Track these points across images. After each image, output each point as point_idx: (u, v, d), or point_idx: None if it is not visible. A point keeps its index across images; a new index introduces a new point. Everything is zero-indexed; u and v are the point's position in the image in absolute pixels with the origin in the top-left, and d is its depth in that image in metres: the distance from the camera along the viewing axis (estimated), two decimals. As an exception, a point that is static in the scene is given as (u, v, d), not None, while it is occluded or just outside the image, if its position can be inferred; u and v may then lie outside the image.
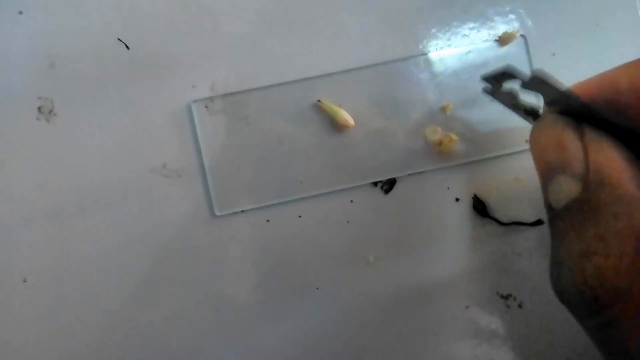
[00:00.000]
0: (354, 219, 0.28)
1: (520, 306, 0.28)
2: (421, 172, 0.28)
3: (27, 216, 0.27)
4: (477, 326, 0.28)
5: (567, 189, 0.17)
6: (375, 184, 0.28)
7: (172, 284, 0.27)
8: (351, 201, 0.28)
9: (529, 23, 0.29)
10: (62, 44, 0.27)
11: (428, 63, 0.28)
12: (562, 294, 0.17)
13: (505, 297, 0.28)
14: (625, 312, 0.15)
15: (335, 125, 0.27)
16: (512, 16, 0.29)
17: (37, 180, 0.27)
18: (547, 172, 0.18)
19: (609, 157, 0.16)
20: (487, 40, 0.28)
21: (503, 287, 0.28)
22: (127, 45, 0.27)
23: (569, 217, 0.17)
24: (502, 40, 0.28)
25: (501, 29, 0.28)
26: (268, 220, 0.27)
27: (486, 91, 0.22)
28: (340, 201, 0.28)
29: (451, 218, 0.28)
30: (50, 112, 0.27)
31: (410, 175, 0.28)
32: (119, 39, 0.27)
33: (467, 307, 0.28)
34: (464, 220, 0.28)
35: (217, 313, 0.27)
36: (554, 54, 0.28)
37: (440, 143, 0.27)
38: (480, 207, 0.28)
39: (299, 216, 0.28)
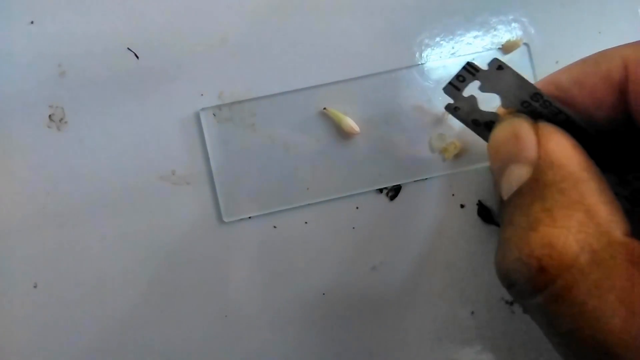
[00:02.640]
0: (360, 225, 0.28)
1: (525, 312, 0.28)
2: (426, 179, 0.28)
3: (38, 222, 0.27)
4: (482, 332, 0.28)
5: (518, 174, 0.17)
6: (381, 190, 0.28)
7: (180, 289, 0.27)
8: (357, 207, 0.28)
9: (532, 31, 0.29)
10: (73, 53, 0.28)
11: (432, 71, 0.28)
12: (507, 273, 0.17)
13: (511, 303, 0.28)
14: (572, 283, 0.15)
15: (341, 133, 0.28)
16: (515, 25, 0.29)
17: (48, 187, 0.27)
18: (502, 165, 0.18)
19: (559, 143, 0.17)
20: (490, 48, 0.29)
21: (508, 293, 0.28)
22: (137, 54, 0.28)
23: (518, 199, 0.17)
24: (506, 49, 0.29)
25: (504, 37, 0.29)
26: (275, 227, 0.28)
27: (448, 109, 0.23)
28: (346, 207, 0.28)
29: (456, 224, 0.28)
30: (61, 120, 0.27)
31: (415, 181, 0.28)
32: (128, 49, 0.28)
33: (472, 312, 0.28)
34: (469, 226, 0.28)
35: (225, 318, 0.27)
36: (557, 62, 0.29)
37: (444, 150, 0.28)
38: (485, 213, 0.28)
39: (305, 222, 0.28)
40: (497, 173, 0.19)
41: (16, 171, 0.27)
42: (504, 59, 0.29)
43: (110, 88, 0.28)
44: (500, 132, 0.19)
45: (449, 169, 0.28)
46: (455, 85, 0.23)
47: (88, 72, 0.28)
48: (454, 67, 0.28)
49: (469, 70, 0.22)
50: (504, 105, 0.21)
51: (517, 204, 0.17)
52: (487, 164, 0.28)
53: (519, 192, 0.17)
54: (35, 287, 0.27)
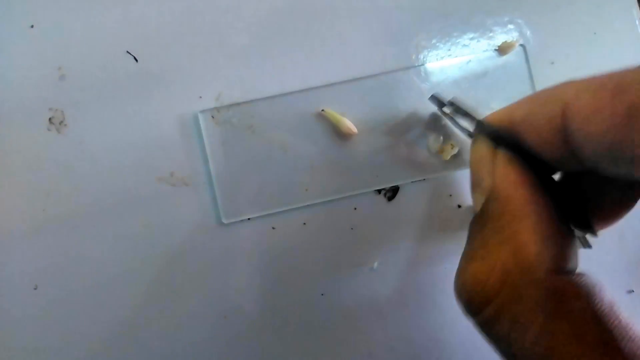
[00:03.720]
0: (358, 226, 0.28)
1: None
2: (423, 180, 0.28)
3: (38, 224, 0.27)
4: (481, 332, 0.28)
5: (477, 201, 0.18)
6: (379, 191, 0.28)
7: (180, 290, 0.27)
8: (355, 208, 0.28)
9: (528, 33, 0.29)
10: (73, 56, 0.28)
11: (429, 73, 0.28)
12: (455, 295, 0.18)
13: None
14: (495, 315, 0.16)
15: (339, 134, 0.28)
16: (511, 26, 0.29)
17: (48, 189, 0.27)
18: (471, 186, 0.19)
19: (507, 176, 0.17)
20: (486, 50, 0.29)
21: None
22: (136, 57, 0.28)
23: (472, 226, 0.18)
24: (502, 50, 0.29)
25: (500, 38, 0.29)
26: (273, 228, 0.28)
27: (437, 112, 0.25)
28: (344, 208, 0.28)
29: (453, 224, 0.28)
30: (60, 122, 0.28)
31: (412, 182, 0.28)
32: (127, 52, 0.28)
33: (470, 312, 0.28)
34: (466, 226, 0.28)
35: (225, 319, 0.28)
36: (552, 63, 0.29)
37: (442, 151, 0.28)
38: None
39: (304, 223, 0.28)
40: (473, 180, 0.20)
41: (16, 173, 0.27)
42: (500, 60, 0.29)
43: (110, 91, 0.28)
44: (471, 154, 0.20)
45: (446, 169, 0.28)
46: (436, 100, 0.26)
47: (88, 75, 0.28)
48: (450, 68, 0.29)
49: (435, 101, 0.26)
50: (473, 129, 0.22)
51: (470, 231, 0.18)
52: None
53: (474, 219, 0.18)
54: (35, 289, 0.27)
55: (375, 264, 0.28)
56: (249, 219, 0.28)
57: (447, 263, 0.28)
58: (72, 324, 0.27)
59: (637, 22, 0.30)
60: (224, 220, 0.27)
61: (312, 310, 0.28)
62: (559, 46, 0.29)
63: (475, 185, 0.19)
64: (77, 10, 0.28)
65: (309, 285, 0.28)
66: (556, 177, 0.19)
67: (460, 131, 0.25)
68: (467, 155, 0.28)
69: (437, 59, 0.29)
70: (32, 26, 0.28)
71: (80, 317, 0.27)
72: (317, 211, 0.28)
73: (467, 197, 0.28)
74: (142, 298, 0.27)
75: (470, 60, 0.29)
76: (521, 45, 0.29)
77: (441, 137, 0.28)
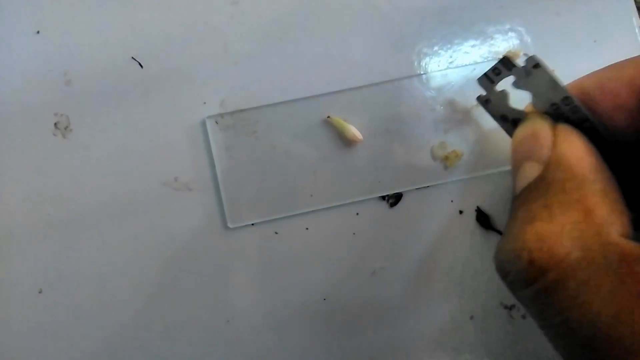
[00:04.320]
0: (360, 231, 0.28)
1: (523, 317, 0.29)
2: (426, 187, 0.29)
3: (43, 229, 0.27)
4: (481, 337, 0.28)
5: (530, 171, 0.18)
6: (382, 197, 0.28)
7: (183, 294, 0.28)
8: (357, 214, 0.28)
9: (529, 40, 0.30)
10: (78, 62, 0.28)
11: (432, 80, 0.29)
12: (501, 263, 0.18)
13: (509, 308, 0.29)
14: (562, 278, 0.15)
15: (344, 141, 0.28)
16: (512, 34, 0.30)
17: (53, 194, 0.28)
18: (519, 162, 0.19)
19: (572, 146, 0.17)
20: (487, 57, 0.29)
21: (507, 298, 0.29)
22: (141, 63, 0.28)
23: (525, 195, 0.18)
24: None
25: (502, 46, 0.29)
26: (276, 232, 0.28)
27: (480, 100, 0.24)
28: (346, 214, 0.28)
29: (455, 230, 0.29)
30: (66, 128, 0.28)
31: (416, 189, 0.29)
32: (132, 58, 0.28)
33: (471, 317, 0.29)
34: (467, 232, 0.29)
35: (227, 323, 0.28)
36: (552, 70, 0.29)
37: (446, 158, 0.28)
38: (483, 219, 0.28)
39: (307, 228, 0.28)
40: (514, 166, 0.20)
41: (22, 177, 0.28)
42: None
43: (115, 96, 0.28)
44: (521, 131, 0.20)
45: (449, 176, 0.29)
46: (489, 78, 0.23)
47: (93, 80, 0.28)
48: (454, 76, 0.29)
49: (506, 65, 0.22)
50: (534, 104, 0.22)
51: (523, 199, 0.18)
52: (486, 171, 0.29)
53: (527, 188, 0.18)
54: (40, 292, 0.27)
55: (377, 269, 0.28)
56: (252, 224, 0.28)
57: (448, 268, 0.28)
58: (76, 327, 0.27)
59: (636, 31, 0.30)
60: (230, 225, 0.28)
61: (314, 314, 0.28)
62: (559, 54, 0.30)
63: (526, 158, 0.19)
64: (82, 16, 0.28)
65: (311, 289, 0.28)
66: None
67: (502, 124, 0.24)
68: (470, 163, 0.28)
69: (439, 67, 0.29)
70: (38, 32, 0.28)
71: (84, 321, 0.27)
72: (320, 216, 0.28)
73: (468, 203, 0.29)
74: (146, 302, 0.28)
75: (474, 68, 0.29)
76: (525, 54, 0.29)
77: (446, 144, 0.28)
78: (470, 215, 0.29)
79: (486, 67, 0.29)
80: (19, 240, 0.27)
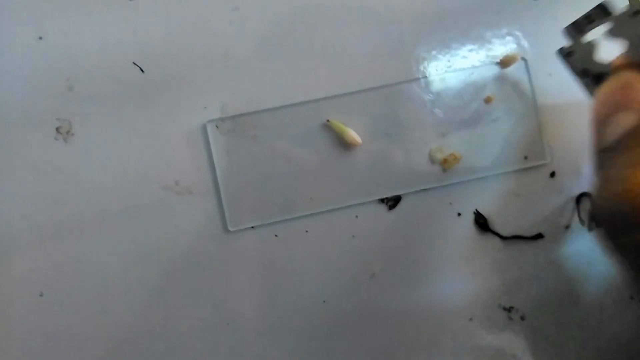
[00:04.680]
0: (360, 234, 0.29)
1: (522, 318, 0.29)
2: (425, 189, 0.29)
3: (44, 232, 0.28)
4: (481, 338, 0.29)
5: (625, 120, 0.18)
6: (381, 200, 0.29)
7: (184, 297, 0.28)
8: (356, 216, 0.29)
9: (526, 44, 0.30)
10: (80, 67, 0.28)
11: (431, 84, 0.29)
12: (608, 207, 0.17)
13: (508, 310, 0.29)
14: None
15: (343, 144, 0.28)
16: (509, 38, 0.30)
17: (55, 198, 0.28)
18: (608, 114, 0.19)
19: None
20: (485, 61, 0.29)
21: (505, 300, 0.29)
22: (142, 69, 0.28)
23: (622, 144, 0.18)
24: (503, 63, 0.29)
25: (499, 50, 0.30)
26: (276, 235, 0.28)
27: (562, 53, 0.22)
28: (345, 217, 0.29)
29: (453, 232, 0.29)
30: (68, 132, 0.28)
31: (414, 192, 0.29)
32: (134, 63, 0.28)
33: (470, 319, 0.29)
34: (465, 234, 0.29)
35: (227, 325, 0.28)
36: (550, 74, 0.30)
37: (444, 161, 0.28)
38: (481, 222, 0.29)
39: (306, 231, 0.28)
40: (600, 122, 0.19)
41: (24, 181, 0.28)
42: (501, 71, 0.29)
43: (116, 101, 0.28)
44: (611, 83, 0.20)
45: (447, 180, 0.29)
46: (579, 27, 0.22)
47: (95, 86, 0.28)
48: (452, 80, 0.29)
49: (602, 11, 0.21)
50: (628, 54, 0.20)
51: (621, 148, 0.18)
52: (484, 174, 0.29)
53: (626, 136, 0.18)
54: (41, 295, 0.28)
55: (377, 271, 0.29)
56: (252, 227, 0.28)
57: (447, 270, 0.29)
58: (77, 330, 0.27)
59: (632, 35, 0.30)
60: (230, 228, 0.28)
61: (314, 316, 0.28)
62: (556, 58, 0.30)
63: (617, 108, 0.18)
64: (84, 22, 0.29)
65: (310, 292, 0.28)
66: None
67: (581, 82, 0.23)
68: (468, 166, 0.29)
69: (437, 71, 0.29)
70: (40, 38, 0.29)
71: (85, 324, 0.27)
72: (320, 219, 0.28)
73: (466, 206, 0.29)
74: (147, 304, 0.28)
75: (472, 73, 0.29)
76: (523, 58, 0.29)
77: (444, 148, 0.28)
78: (468, 218, 0.29)
79: (484, 70, 0.29)
80: (20, 243, 0.28)
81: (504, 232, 0.29)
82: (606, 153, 0.19)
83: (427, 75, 0.29)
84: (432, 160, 0.29)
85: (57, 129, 0.28)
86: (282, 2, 0.29)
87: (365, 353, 0.28)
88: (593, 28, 0.21)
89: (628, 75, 0.19)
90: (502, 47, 0.30)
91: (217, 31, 0.29)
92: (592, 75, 0.22)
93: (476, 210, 0.29)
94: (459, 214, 0.29)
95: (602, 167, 0.19)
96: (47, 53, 0.28)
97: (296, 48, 0.29)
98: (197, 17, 0.29)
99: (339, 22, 0.29)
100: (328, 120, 0.28)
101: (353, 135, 0.28)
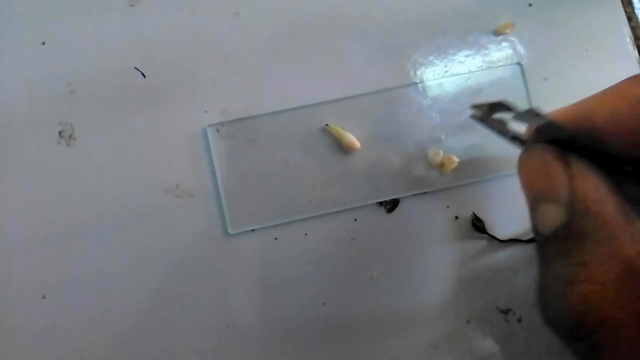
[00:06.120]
0: (358, 237, 0.29)
1: (519, 320, 0.29)
2: (423, 193, 0.29)
3: (47, 235, 0.28)
4: (478, 340, 0.29)
5: (552, 216, 0.17)
6: (380, 203, 0.29)
7: (184, 300, 0.28)
8: (355, 220, 0.29)
9: (521, 50, 0.30)
10: (82, 72, 0.29)
11: (428, 89, 0.29)
12: (549, 320, 0.17)
13: (505, 312, 0.29)
14: (612, 338, 0.15)
15: (342, 148, 0.29)
16: (505, 44, 0.30)
17: (57, 201, 0.28)
18: (534, 199, 0.18)
19: (592, 186, 0.16)
20: (481, 66, 0.30)
21: (502, 302, 0.29)
22: (143, 73, 0.29)
23: (555, 244, 0.17)
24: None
25: (495, 55, 0.30)
26: (276, 238, 0.29)
27: (475, 117, 0.23)
28: (344, 220, 0.29)
29: (451, 235, 0.29)
30: (70, 136, 0.29)
31: (412, 195, 0.29)
32: (135, 68, 0.29)
33: (468, 321, 0.29)
34: (463, 237, 0.29)
35: (228, 328, 0.28)
36: (545, 79, 0.30)
37: (441, 165, 0.29)
38: (478, 225, 0.29)
39: (306, 234, 0.29)
40: (530, 203, 0.19)
41: (26, 185, 0.28)
42: (497, 76, 0.30)
43: (118, 106, 0.29)
44: (530, 164, 0.19)
45: (446, 183, 0.29)
46: (483, 112, 0.22)
47: (97, 90, 0.29)
48: (448, 85, 0.30)
49: (500, 108, 0.21)
50: (536, 132, 0.20)
51: (555, 249, 0.17)
52: (481, 177, 0.29)
53: (556, 236, 0.17)
54: (43, 298, 0.28)
55: (375, 274, 0.29)
56: (252, 230, 0.28)
57: (445, 272, 0.29)
58: (79, 332, 0.28)
59: (627, 40, 0.31)
60: (230, 231, 0.28)
61: (314, 319, 0.28)
62: (551, 63, 0.30)
63: (542, 197, 0.18)
64: (86, 27, 0.29)
65: (310, 294, 0.29)
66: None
67: (508, 140, 0.23)
68: (465, 169, 0.29)
69: (434, 76, 0.30)
70: (43, 43, 0.29)
71: (87, 326, 0.28)
72: (319, 222, 0.29)
73: (464, 209, 0.29)
74: (149, 307, 0.28)
75: (469, 77, 0.30)
76: (518, 64, 0.30)
77: (441, 152, 0.29)
78: (466, 221, 0.29)
79: (480, 76, 0.30)
80: (22, 246, 0.28)
81: (501, 235, 0.29)
82: (540, 240, 0.18)
83: (424, 80, 0.30)
84: (430, 163, 0.29)
85: (60, 133, 0.28)
86: (283, 8, 0.30)
87: (364, 355, 0.29)
88: (497, 113, 0.21)
89: (545, 158, 0.18)
90: (498, 53, 0.30)
91: (217, 36, 0.29)
92: (510, 136, 0.22)
93: (473, 213, 0.29)
94: (457, 217, 0.29)
95: (541, 255, 0.18)
96: (49, 58, 0.29)
97: (296, 53, 0.29)
98: (198, 23, 0.29)
99: (337, 27, 0.30)
100: (327, 125, 0.29)
101: (351, 139, 0.28)
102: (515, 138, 0.22)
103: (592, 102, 0.17)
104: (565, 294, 0.16)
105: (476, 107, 0.22)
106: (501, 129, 0.22)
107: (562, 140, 0.18)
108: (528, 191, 0.19)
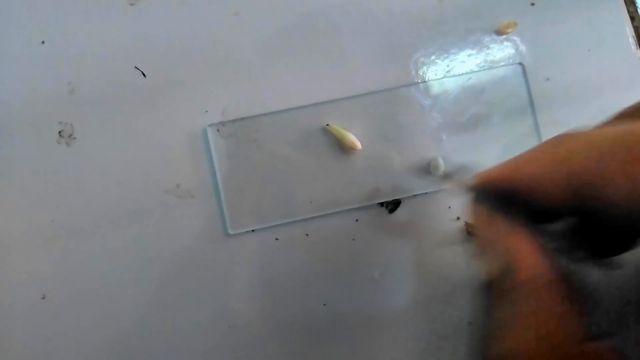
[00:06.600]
0: (360, 237, 0.29)
1: None
2: (424, 193, 0.29)
3: (47, 235, 0.28)
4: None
5: (491, 266, 0.18)
6: (381, 204, 0.29)
7: (185, 300, 0.28)
8: (356, 220, 0.29)
9: (524, 50, 0.30)
10: (82, 72, 0.29)
11: (430, 89, 0.29)
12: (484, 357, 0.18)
13: (507, 313, 0.29)
14: None
15: (343, 148, 0.29)
16: (507, 43, 0.30)
17: (57, 201, 0.28)
18: (482, 245, 0.19)
19: (516, 244, 0.17)
20: (483, 66, 0.30)
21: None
22: (144, 73, 0.29)
23: (486, 296, 0.18)
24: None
25: (497, 55, 0.30)
26: (277, 239, 0.29)
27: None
28: (345, 220, 0.29)
29: (452, 235, 0.29)
30: (70, 136, 0.28)
31: (413, 196, 0.29)
32: (136, 67, 0.29)
33: (469, 323, 0.29)
34: (464, 238, 0.29)
35: (229, 328, 0.28)
36: (548, 79, 0.30)
37: (442, 165, 0.28)
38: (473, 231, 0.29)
39: (307, 234, 0.29)
40: (478, 246, 0.20)
41: (26, 184, 0.28)
42: (499, 76, 0.30)
43: (118, 105, 0.29)
44: (471, 216, 0.20)
45: (446, 184, 0.29)
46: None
47: (97, 90, 0.29)
48: (450, 84, 0.29)
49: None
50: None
51: (490, 295, 0.18)
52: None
53: (492, 284, 0.18)
54: (43, 298, 0.28)
55: (376, 274, 0.29)
56: (253, 230, 0.28)
57: (446, 272, 0.29)
58: (79, 332, 0.28)
59: (630, 40, 0.31)
60: (230, 231, 0.28)
61: (314, 319, 0.28)
62: (554, 63, 0.30)
63: (483, 249, 0.19)
64: (86, 27, 0.29)
65: (311, 294, 0.28)
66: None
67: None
68: (466, 171, 0.29)
69: (436, 75, 0.29)
70: (43, 42, 0.29)
71: (87, 326, 0.28)
72: (320, 223, 0.29)
73: (465, 209, 0.29)
74: (149, 307, 0.28)
75: (470, 78, 0.29)
76: (520, 63, 0.30)
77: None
78: (465, 224, 0.29)
79: (482, 75, 0.29)
80: (22, 246, 0.28)
81: (503, 235, 0.29)
82: (481, 287, 0.19)
83: (426, 79, 0.29)
84: (430, 165, 0.29)
85: (60, 133, 0.28)
86: (283, 8, 0.30)
87: (364, 355, 0.28)
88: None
89: (481, 215, 0.19)
90: (500, 52, 0.30)
91: (218, 36, 0.29)
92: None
93: (465, 222, 0.29)
94: (458, 218, 0.29)
95: (484, 297, 0.19)
96: (49, 57, 0.29)
97: (296, 53, 0.29)
98: (198, 22, 0.29)
99: (339, 27, 0.29)
100: (328, 125, 0.28)
101: (352, 139, 0.28)
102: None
103: (513, 164, 0.18)
104: (494, 344, 0.17)
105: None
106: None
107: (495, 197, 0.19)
108: (477, 234, 0.20)
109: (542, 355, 0.16)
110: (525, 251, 0.17)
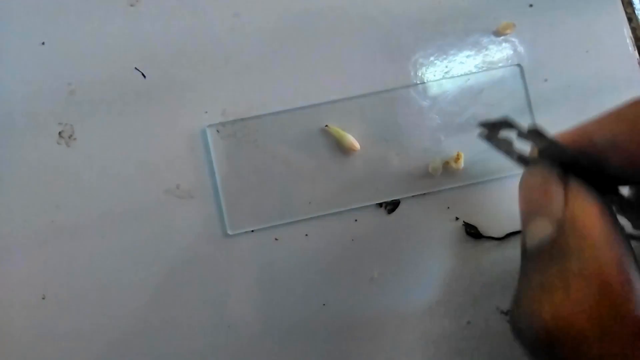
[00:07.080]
0: (359, 238, 0.29)
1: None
2: (423, 194, 0.29)
3: (47, 236, 0.28)
4: (479, 341, 0.29)
5: (541, 229, 0.17)
6: (380, 204, 0.29)
7: (185, 300, 0.28)
8: (355, 220, 0.29)
9: (522, 51, 0.30)
10: (82, 72, 0.29)
11: (428, 90, 0.29)
12: (517, 325, 0.17)
13: (506, 313, 0.29)
14: (576, 351, 0.15)
15: (342, 149, 0.29)
16: (505, 44, 0.30)
17: (57, 202, 0.28)
18: (528, 214, 0.19)
19: (585, 207, 0.17)
20: (482, 67, 0.30)
21: (503, 303, 0.29)
22: (144, 74, 0.29)
23: (538, 257, 0.17)
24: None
25: (496, 56, 0.30)
26: (276, 239, 0.29)
27: (482, 136, 0.23)
28: (345, 221, 0.29)
29: (451, 236, 0.29)
30: (70, 137, 0.28)
31: (412, 196, 0.29)
32: (135, 68, 0.29)
33: (468, 322, 0.29)
34: (463, 238, 0.29)
35: (228, 328, 0.28)
36: (546, 80, 0.30)
37: (442, 166, 0.29)
38: (472, 231, 0.29)
39: (306, 235, 0.29)
40: (523, 218, 0.19)
41: (26, 185, 0.28)
42: (498, 77, 0.30)
43: (118, 106, 0.29)
44: (530, 181, 0.19)
45: (446, 184, 0.29)
46: (489, 130, 0.22)
47: (97, 90, 0.29)
48: (449, 85, 0.30)
49: (506, 125, 0.21)
50: (539, 153, 0.20)
51: (536, 259, 0.17)
52: (482, 179, 0.29)
53: (539, 248, 0.17)
54: (43, 298, 0.28)
55: (376, 275, 0.29)
56: (252, 230, 0.28)
57: (445, 273, 0.29)
58: (79, 333, 0.28)
59: (628, 41, 0.31)
60: (230, 232, 0.28)
61: (314, 319, 0.28)
62: (552, 64, 0.30)
63: (535, 211, 0.18)
64: (86, 27, 0.29)
65: (310, 295, 0.29)
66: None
67: (514, 161, 0.22)
68: (466, 171, 0.29)
69: (434, 76, 0.30)
70: (43, 43, 0.29)
71: (87, 327, 0.28)
72: (319, 223, 0.29)
73: (464, 210, 0.29)
74: (148, 307, 0.28)
75: (468, 79, 0.30)
76: (518, 65, 0.30)
77: (441, 153, 0.29)
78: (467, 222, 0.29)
79: (480, 76, 0.30)
80: (22, 246, 0.28)
81: (501, 234, 0.29)
82: (523, 256, 0.18)
83: (424, 80, 0.29)
84: (430, 164, 0.29)
85: (60, 134, 0.28)
86: (282, 8, 0.30)
87: (364, 355, 0.29)
88: (502, 130, 0.21)
89: (545, 177, 0.18)
90: (498, 54, 0.30)
91: (218, 37, 0.29)
92: (516, 156, 0.22)
93: (464, 222, 0.29)
94: (457, 218, 0.29)
95: (523, 269, 0.18)
96: (49, 58, 0.29)
97: (296, 54, 0.29)
98: (198, 23, 0.29)
99: (338, 28, 0.30)
100: (327, 126, 0.29)
101: (351, 140, 0.28)
102: (521, 159, 0.22)
103: (593, 124, 0.18)
104: (539, 301, 0.16)
105: (482, 125, 0.22)
106: (507, 149, 0.22)
107: (563, 160, 0.18)
108: (524, 206, 0.19)
109: (587, 318, 0.15)
110: (590, 217, 0.16)
